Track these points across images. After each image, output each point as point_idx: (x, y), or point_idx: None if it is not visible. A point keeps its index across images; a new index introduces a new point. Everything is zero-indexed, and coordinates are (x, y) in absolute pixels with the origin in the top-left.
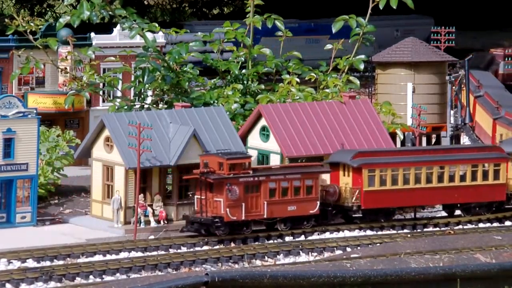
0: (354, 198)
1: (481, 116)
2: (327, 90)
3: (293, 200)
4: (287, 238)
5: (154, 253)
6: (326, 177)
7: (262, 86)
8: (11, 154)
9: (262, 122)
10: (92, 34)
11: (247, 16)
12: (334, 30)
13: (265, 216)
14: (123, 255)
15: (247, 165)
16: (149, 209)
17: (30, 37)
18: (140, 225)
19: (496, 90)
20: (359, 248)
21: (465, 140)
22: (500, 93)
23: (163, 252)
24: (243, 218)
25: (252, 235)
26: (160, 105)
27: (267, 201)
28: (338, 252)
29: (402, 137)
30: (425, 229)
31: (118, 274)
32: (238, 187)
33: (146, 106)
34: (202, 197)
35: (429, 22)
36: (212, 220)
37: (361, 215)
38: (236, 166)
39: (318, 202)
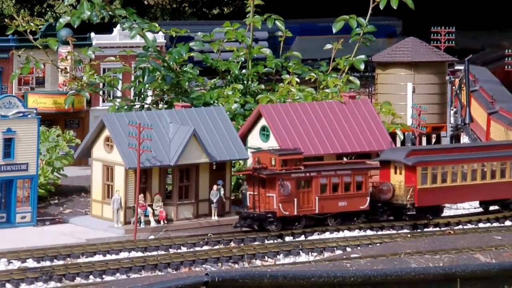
0: (408, 196)
1: (476, 111)
2: (327, 90)
3: (343, 196)
4: (287, 238)
5: (154, 253)
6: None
7: (262, 86)
8: (11, 154)
9: (262, 122)
10: (92, 34)
11: (247, 16)
12: (334, 30)
13: (316, 212)
14: (123, 255)
15: (299, 161)
16: (149, 209)
17: (30, 37)
18: (140, 225)
19: (491, 85)
20: (359, 248)
21: (465, 140)
22: (495, 88)
23: (163, 252)
24: (295, 213)
25: (252, 236)
26: (160, 105)
27: (318, 196)
28: (338, 252)
29: (402, 137)
30: (425, 229)
31: (118, 274)
32: (290, 182)
33: (146, 106)
34: (255, 193)
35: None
36: (265, 216)
37: (414, 213)
38: (288, 162)
39: (368, 198)
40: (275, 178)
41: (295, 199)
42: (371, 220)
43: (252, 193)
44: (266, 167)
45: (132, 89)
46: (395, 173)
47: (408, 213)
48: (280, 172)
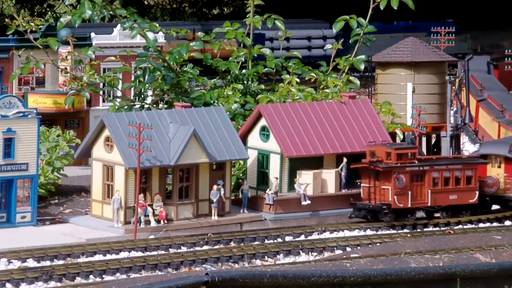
0: None
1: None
2: (327, 90)
3: (454, 190)
4: (287, 238)
5: (154, 253)
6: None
7: (262, 86)
8: (11, 154)
9: (262, 122)
10: (92, 34)
11: (247, 16)
12: (335, 30)
13: (429, 204)
14: (123, 255)
15: (413, 155)
16: (149, 209)
17: (30, 37)
18: (140, 225)
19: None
20: (359, 248)
21: (465, 140)
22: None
23: (163, 252)
24: (409, 205)
25: (252, 236)
26: (160, 105)
27: (431, 189)
28: (338, 252)
29: (402, 137)
30: (425, 229)
31: (118, 274)
32: (405, 176)
33: (146, 106)
34: (370, 185)
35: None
36: (381, 207)
37: None
38: (403, 156)
39: (477, 192)
40: (391, 171)
41: (409, 192)
42: (479, 213)
43: (367, 185)
44: (382, 160)
45: (132, 89)
46: (495, 166)
47: None
48: (395, 166)
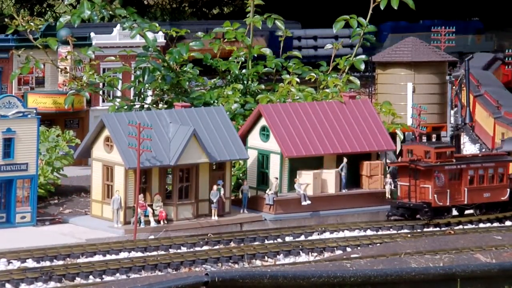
0: None
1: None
2: (327, 90)
3: (488, 187)
4: (287, 238)
5: (154, 253)
6: None
7: (262, 86)
8: (11, 154)
9: (262, 122)
10: (92, 34)
11: (247, 16)
12: (335, 30)
13: (465, 202)
14: (123, 255)
15: (451, 154)
16: (149, 209)
17: (30, 37)
18: (140, 225)
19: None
20: (359, 248)
21: (465, 140)
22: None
23: (163, 252)
24: (447, 204)
25: (252, 236)
26: (160, 105)
27: (467, 188)
28: (338, 252)
29: (402, 137)
30: (425, 229)
31: (118, 274)
32: (444, 174)
33: (146, 106)
34: (407, 184)
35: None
36: (421, 206)
37: None
38: (442, 154)
39: (508, 190)
40: (432, 170)
41: (448, 191)
42: (509, 210)
43: (404, 183)
44: (421, 159)
45: (132, 89)
46: None
47: None
48: (436, 164)
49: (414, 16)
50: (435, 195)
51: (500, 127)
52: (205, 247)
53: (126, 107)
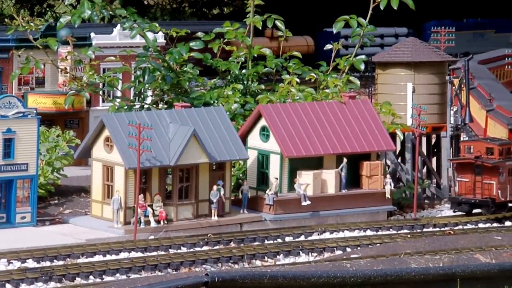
0: None
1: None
2: (327, 90)
3: None
4: (287, 239)
5: (154, 253)
6: None
7: (262, 86)
8: (11, 154)
9: (262, 122)
10: (92, 34)
11: (247, 16)
12: (335, 31)
13: None
14: (123, 255)
15: (509, 150)
16: (149, 209)
17: (30, 37)
18: (140, 225)
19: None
20: (359, 248)
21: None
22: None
23: (163, 252)
24: (508, 199)
25: (252, 236)
26: (160, 105)
27: None
28: (338, 252)
29: (402, 137)
30: (425, 229)
31: (118, 275)
32: (505, 170)
33: (146, 106)
34: (468, 180)
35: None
36: (487, 201)
37: None
38: (503, 151)
39: None
40: (497, 167)
41: (508, 186)
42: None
43: (466, 180)
44: (481, 156)
45: (132, 89)
46: None
47: None
48: (501, 161)
49: (459, 15)
50: (499, 191)
51: (491, 120)
52: (205, 247)
53: (126, 107)
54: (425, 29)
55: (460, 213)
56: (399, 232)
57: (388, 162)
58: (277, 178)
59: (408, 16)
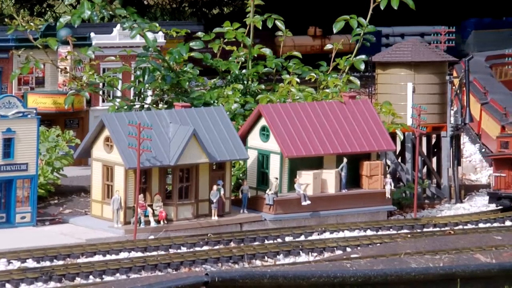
0: None
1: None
2: (327, 90)
3: None
4: (287, 238)
5: (154, 253)
6: None
7: (262, 86)
8: (11, 154)
9: (262, 122)
10: (92, 34)
11: (247, 16)
12: (335, 30)
13: None
14: (123, 255)
15: None
16: (149, 209)
17: (30, 37)
18: (140, 225)
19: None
20: (359, 248)
21: (465, 140)
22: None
23: (163, 252)
24: None
25: (252, 236)
26: (160, 105)
27: None
28: (338, 252)
29: (402, 137)
30: (425, 229)
31: (118, 274)
32: None
33: (146, 106)
34: (505, 175)
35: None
36: None
37: None
38: None
39: None
40: None
41: None
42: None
43: (503, 175)
44: None
45: (132, 89)
46: None
47: None
48: None
49: (498, 13)
50: None
51: (485, 114)
52: (205, 247)
53: (126, 107)
54: (465, 27)
55: (459, 213)
56: (399, 232)
57: (388, 162)
58: (277, 178)
59: (448, 14)
